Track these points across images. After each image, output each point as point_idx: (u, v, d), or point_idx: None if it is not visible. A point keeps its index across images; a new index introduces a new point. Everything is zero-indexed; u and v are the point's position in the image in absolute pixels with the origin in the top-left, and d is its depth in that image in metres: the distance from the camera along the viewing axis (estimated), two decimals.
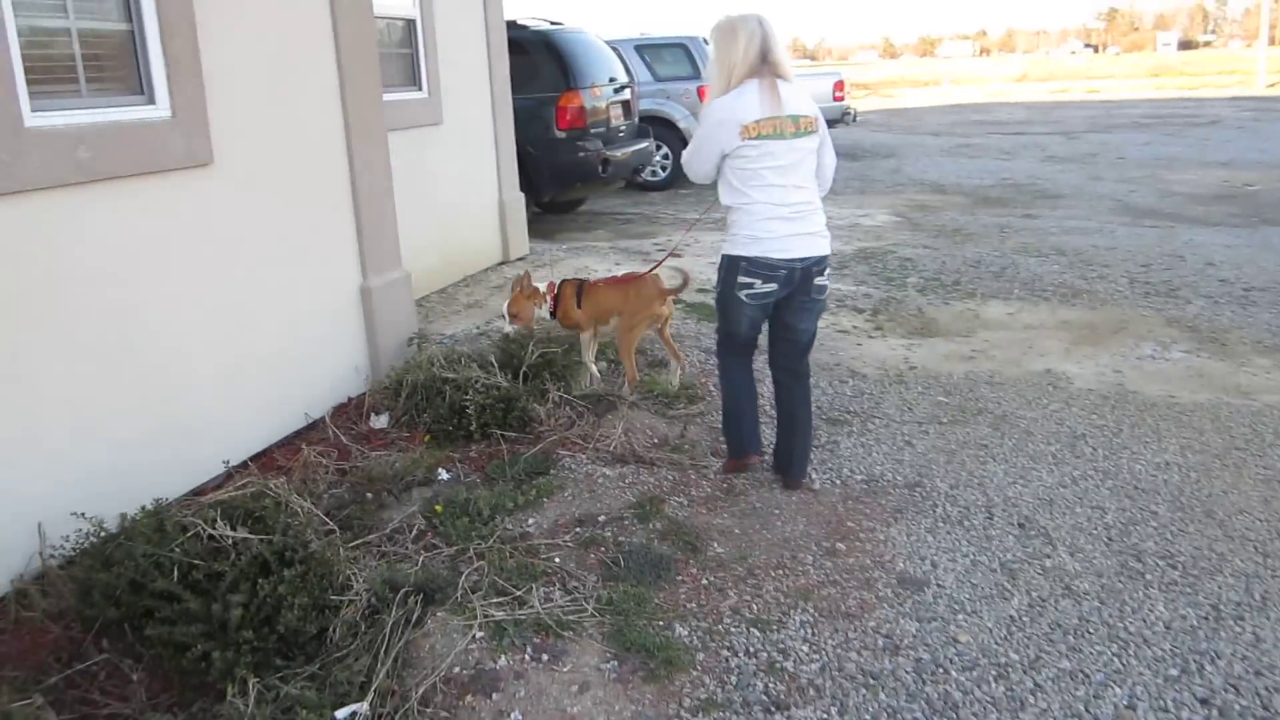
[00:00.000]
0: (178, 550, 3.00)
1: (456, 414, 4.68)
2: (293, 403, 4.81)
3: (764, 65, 3.78)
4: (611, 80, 11.13)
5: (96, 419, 3.74)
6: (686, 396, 5.26)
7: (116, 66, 3.93)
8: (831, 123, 16.82)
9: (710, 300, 7.30)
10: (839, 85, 16.80)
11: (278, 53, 4.69)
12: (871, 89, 41.10)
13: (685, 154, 3.98)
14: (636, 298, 5.16)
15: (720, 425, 4.56)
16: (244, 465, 4.46)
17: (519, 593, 3.29)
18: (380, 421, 4.88)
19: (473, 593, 3.25)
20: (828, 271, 4.01)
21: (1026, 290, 7.66)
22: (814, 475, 4.35)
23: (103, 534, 3.27)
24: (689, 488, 4.20)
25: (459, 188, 8.18)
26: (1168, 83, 38.49)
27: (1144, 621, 3.25)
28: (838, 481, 4.31)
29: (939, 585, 3.48)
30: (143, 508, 3.34)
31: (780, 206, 3.80)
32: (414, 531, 3.79)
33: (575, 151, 10.28)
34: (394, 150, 6.99)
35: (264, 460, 4.51)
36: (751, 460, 4.31)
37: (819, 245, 3.91)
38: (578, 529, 3.82)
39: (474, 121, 8.50)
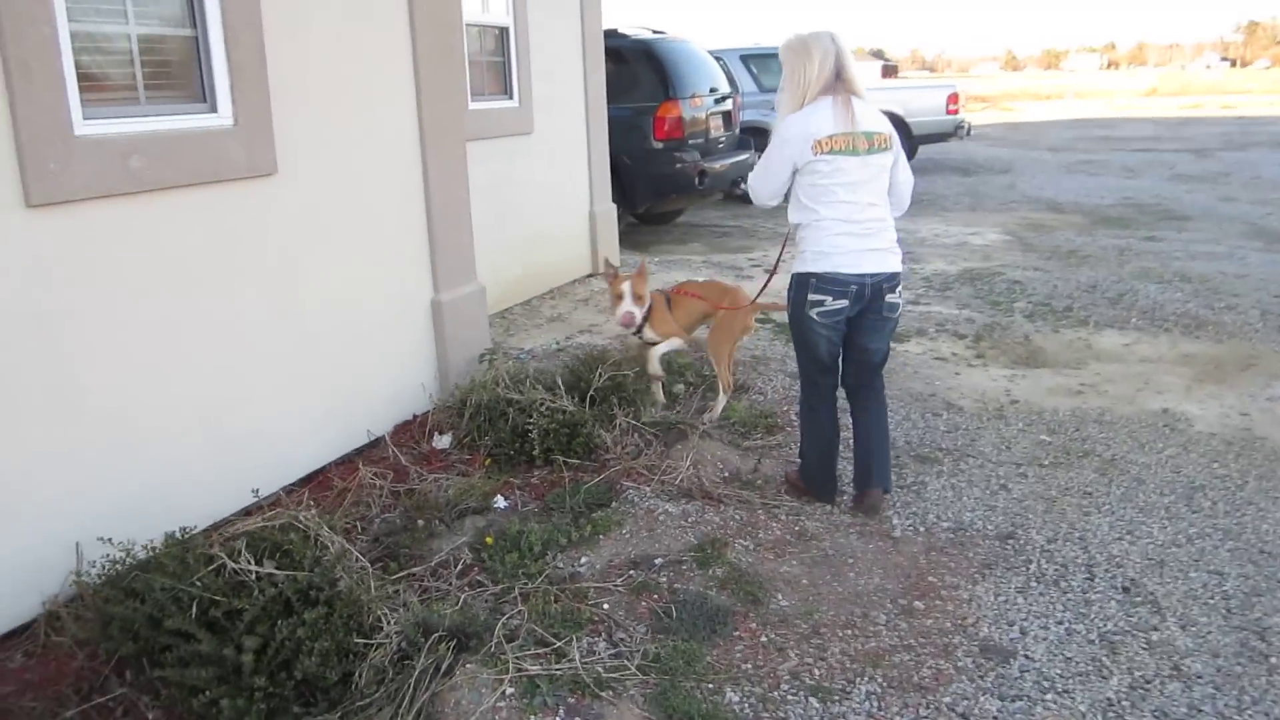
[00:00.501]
0: (198, 585, 2.84)
1: (519, 438, 4.47)
2: (354, 419, 4.67)
3: (838, 82, 3.76)
4: (713, 90, 10.88)
5: (144, 435, 3.63)
6: (765, 425, 4.95)
7: (178, 73, 3.83)
8: (944, 137, 16.29)
9: None
10: (953, 98, 16.17)
11: (349, 60, 4.56)
12: (990, 101, 39.91)
13: (753, 176, 3.91)
14: (732, 303, 5.04)
15: (798, 461, 4.27)
16: (302, 483, 4.33)
17: (559, 643, 3.04)
18: (443, 442, 4.70)
19: (509, 641, 3.01)
20: (900, 289, 3.89)
21: (1145, 319, 7.12)
22: (894, 520, 4.00)
23: (129, 560, 3.13)
24: (757, 529, 3.90)
25: (548, 198, 8.02)
26: None
27: (1266, 716, 2.83)
28: (921, 529, 3.95)
29: (1027, 657, 3.11)
30: (166, 536, 3.18)
31: (850, 223, 3.73)
32: (460, 565, 3.59)
33: (672, 162, 10.07)
34: (481, 159, 6.91)
35: (320, 480, 4.38)
36: (822, 500, 4.17)
37: (890, 262, 3.82)
38: (632, 571, 3.55)
39: (566, 131, 8.34)
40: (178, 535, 3.18)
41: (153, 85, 3.73)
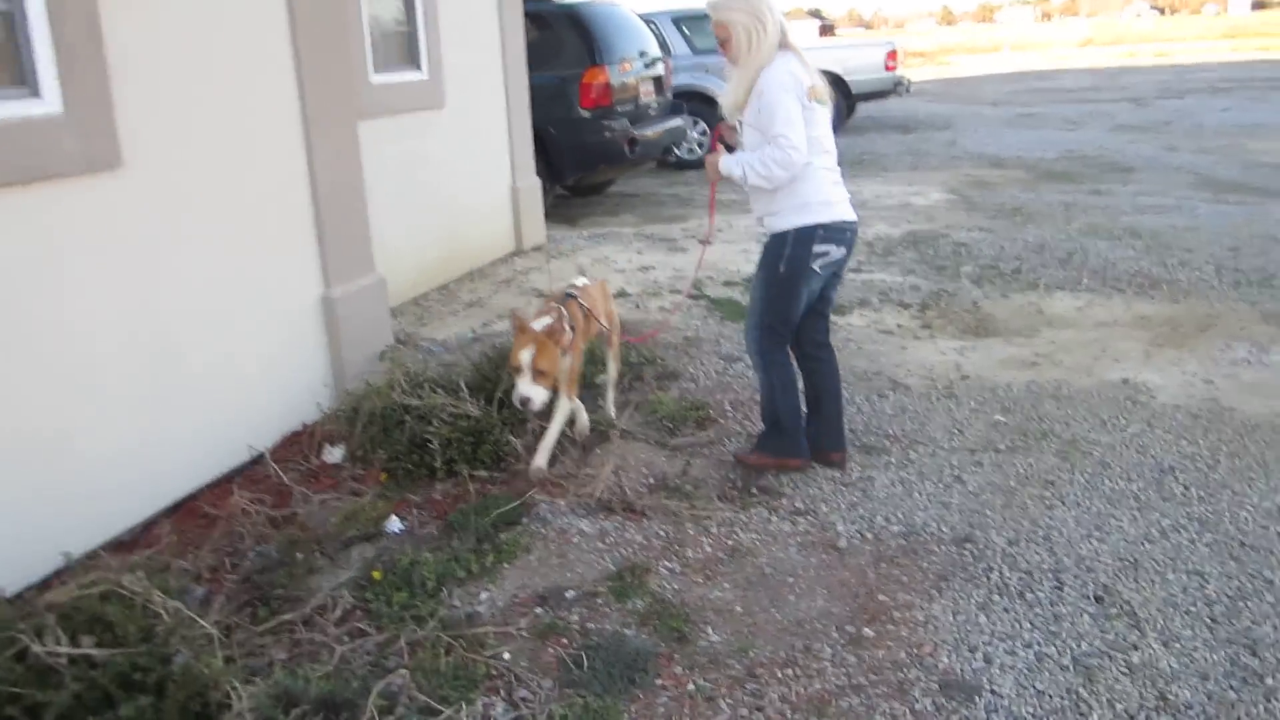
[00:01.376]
0: None
1: (418, 448, 3.97)
2: (233, 434, 4.12)
3: (786, 38, 3.73)
4: (642, 54, 10.32)
5: None
6: (696, 419, 4.49)
7: None
8: (883, 94, 15.88)
9: (738, 295, 6.54)
10: (891, 55, 15.71)
11: (212, 30, 3.97)
12: (928, 57, 39.63)
13: (784, 140, 3.56)
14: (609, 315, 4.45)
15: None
16: (170, 513, 3.80)
17: (448, 710, 2.56)
18: (334, 455, 4.18)
19: (386, 714, 2.52)
20: None
21: (1097, 280, 6.76)
22: (839, 526, 3.57)
23: None
24: (684, 547, 3.44)
25: (464, 175, 7.44)
26: (1244, 44, 36.51)
27: None
28: (869, 535, 3.52)
29: (994, 692, 2.69)
30: None
31: (834, 171, 3.83)
32: (339, 610, 3.08)
33: (600, 131, 9.52)
34: (389, 138, 6.34)
35: (190, 507, 3.84)
36: (802, 463, 4.03)
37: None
38: (538, 609, 3.07)
39: (483, 103, 7.75)
40: None
41: None
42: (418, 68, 6.92)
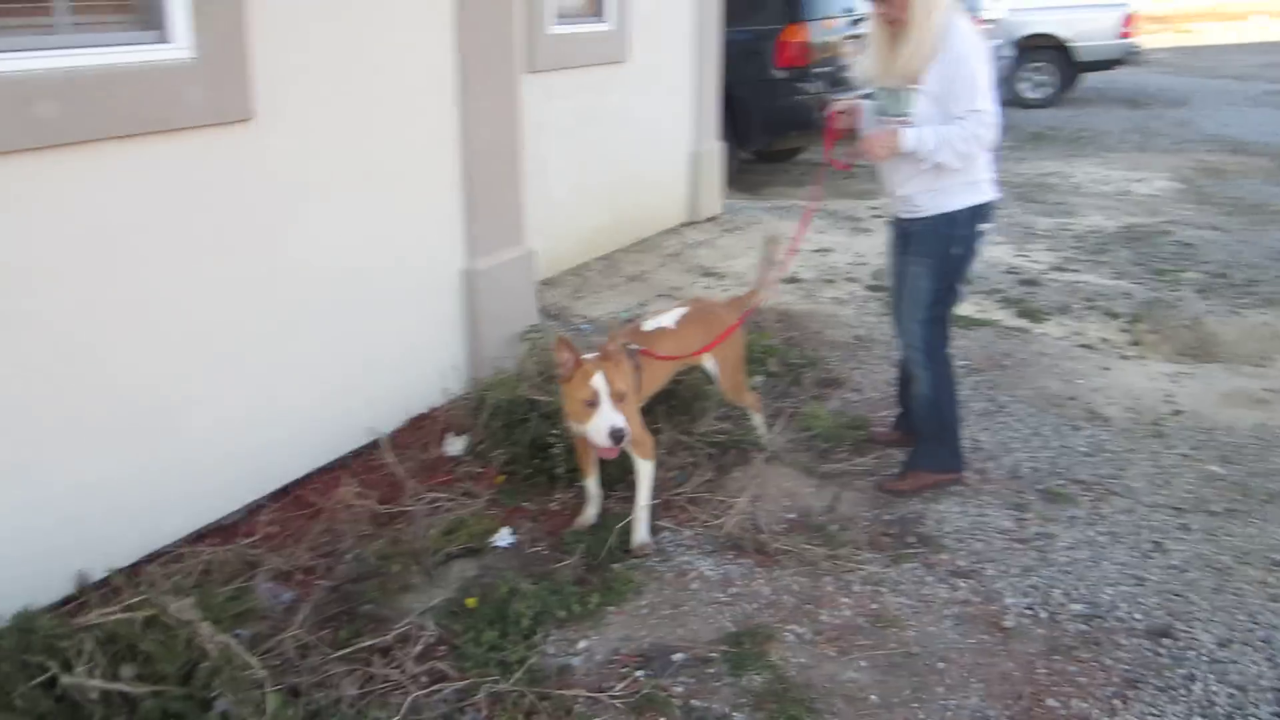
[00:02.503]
0: (19, 701, 2.10)
1: (539, 452, 3.63)
2: (354, 415, 3.89)
3: None
4: (848, 12, 9.60)
5: (51, 446, 2.92)
6: (853, 440, 3.98)
7: None
8: (1112, 64, 14.45)
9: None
10: (1127, 20, 14.21)
11: None
12: (1167, 23, 36.50)
13: (988, 115, 3.23)
14: (714, 334, 3.66)
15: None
16: (276, 497, 3.61)
17: None
18: (455, 447, 3.90)
19: None
20: None
21: None
22: (1007, 599, 3.02)
23: None
24: (819, 606, 2.97)
25: (642, 136, 7.01)
26: None
27: None
28: (1043, 613, 2.96)
29: None
30: (16, 616, 2.46)
31: None
32: (421, 644, 2.78)
33: (792, 94, 8.92)
34: (563, 93, 6.00)
35: (296, 494, 3.63)
36: (962, 476, 3.73)
37: None
38: (639, 672, 2.68)
39: (670, 58, 7.27)
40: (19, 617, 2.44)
41: (85, 8, 2.95)
42: (602, 17, 6.52)
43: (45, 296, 2.85)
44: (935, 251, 3.45)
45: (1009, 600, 3.01)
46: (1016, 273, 6.37)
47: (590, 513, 3.43)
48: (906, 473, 3.68)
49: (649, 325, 3.60)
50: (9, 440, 2.80)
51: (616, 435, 2.92)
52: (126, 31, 3.06)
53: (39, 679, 2.16)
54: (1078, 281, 6.19)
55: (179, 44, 3.12)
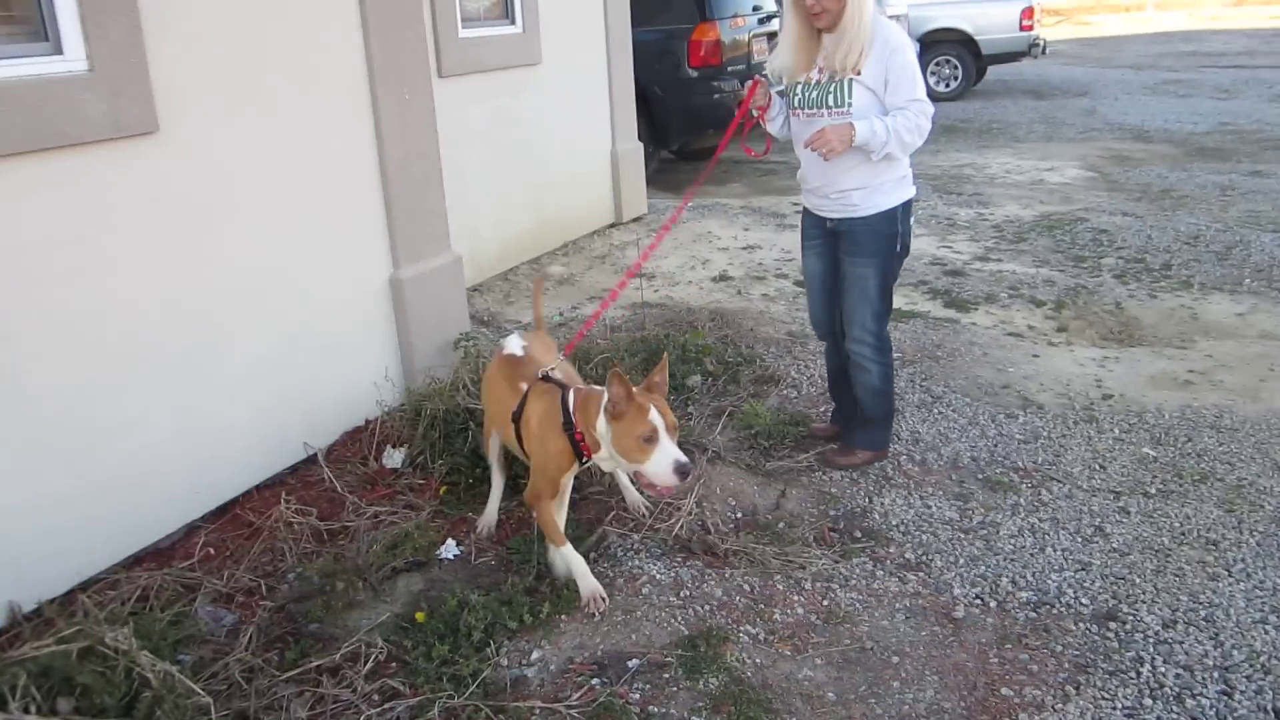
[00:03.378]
0: None
1: (480, 461, 3.57)
2: (288, 430, 3.78)
3: None
4: (756, 9, 9.67)
5: None
6: (794, 436, 3.99)
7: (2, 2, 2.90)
8: (1017, 55, 14.83)
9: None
10: (1027, 13, 14.59)
11: None
12: (1065, 16, 37.48)
13: (925, 105, 3.27)
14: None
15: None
16: (214, 517, 3.49)
17: None
18: (394, 459, 3.81)
19: None
20: None
21: (1262, 280, 5.97)
22: (956, 589, 3.04)
23: None
24: (772, 605, 2.96)
25: (561, 138, 6.97)
26: None
27: None
28: (992, 602, 2.99)
29: None
30: None
31: None
32: (370, 662, 2.70)
33: (709, 93, 8.97)
34: (478, 97, 5.94)
35: (234, 514, 3.51)
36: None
37: None
38: (595, 680, 2.64)
39: (583, 60, 7.25)
40: None
41: None
42: (511, 20, 6.46)
43: None
44: (879, 250, 3.47)
45: (958, 591, 3.04)
46: (941, 264, 6.46)
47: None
48: (854, 450, 3.81)
49: (518, 346, 3.31)
50: None
51: (683, 470, 2.69)
52: (17, 44, 2.92)
53: None
54: (1001, 270, 6.31)
55: (71, 56, 2.99)
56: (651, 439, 2.70)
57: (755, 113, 3.64)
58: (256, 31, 3.54)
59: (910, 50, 3.27)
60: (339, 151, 3.97)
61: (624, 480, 3.45)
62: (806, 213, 3.71)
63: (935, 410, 4.27)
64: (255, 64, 3.55)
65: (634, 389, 2.76)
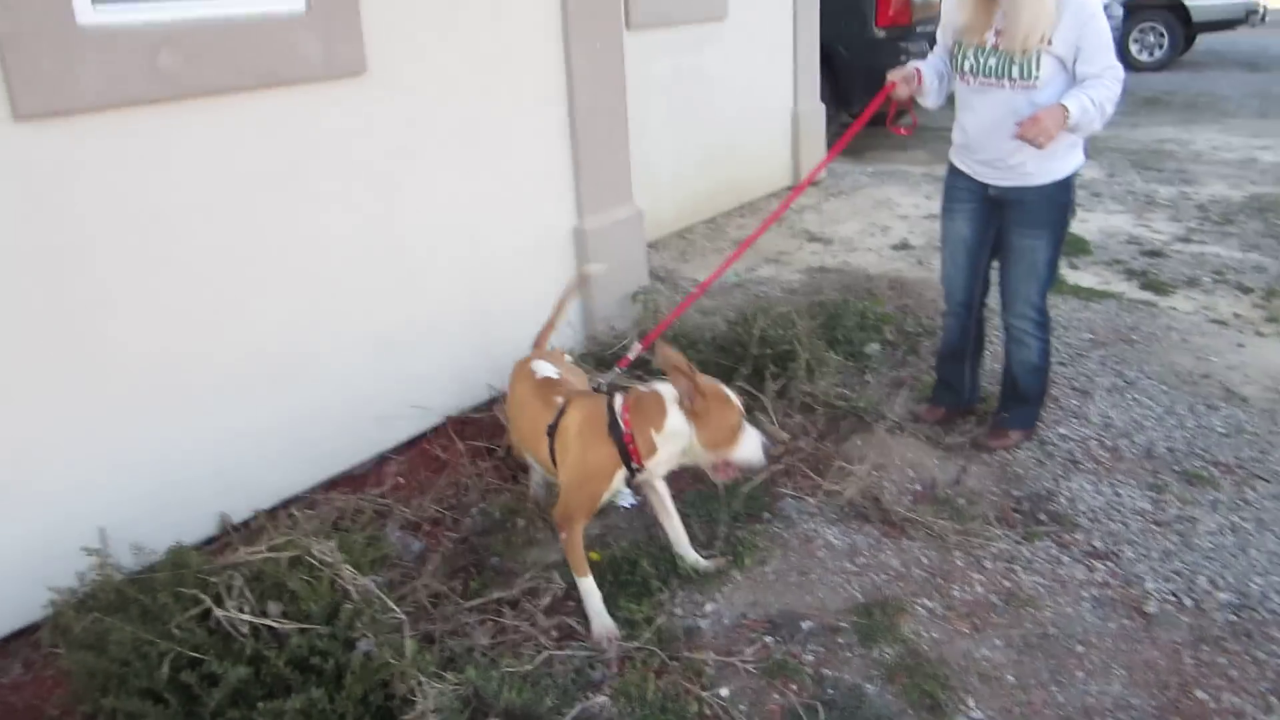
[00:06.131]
0: (176, 630, 2.15)
1: None
2: (475, 373, 3.90)
3: None
4: None
5: (188, 399, 2.98)
6: (982, 410, 3.87)
7: None
8: (1233, 23, 13.82)
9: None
10: None
11: None
12: None
13: (1119, 71, 3.05)
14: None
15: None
16: (402, 450, 3.64)
17: None
18: None
19: None
20: None
21: None
22: (1148, 583, 2.90)
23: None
24: (950, 581, 2.90)
25: (742, 97, 6.89)
26: None
27: None
28: (1188, 600, 2.84)
29: None
30: (170, 550, 2.51)
31: None
32: (548, 598, 2.77)
33: (896, 54, 8.68)
34: (660, 52, 5.91)
35: (421, 447, 3.66)
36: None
37: None
38: (768, 638, 2.64)
39: (768, 16, 7.12)
40: (172, 552, 2.49)
41: None
42: None
43: (188, 243, 2.90)
44: (1051, 220, 3.31)
45: (1150, 585, 2.89)
46: (1138, 243, 6.13)
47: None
48: (1013, 428, 3.66)
49: (548, 369, 3.06)
50: (159, 387, 2.87)
51: (767, 447, 2.65)
52: None
53: (193, 611, 2.21)
54: (1204, 253, 5.93)
55: None
56: (736, 427, 2.59)
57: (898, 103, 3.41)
58: None
59: (1101, 13, 3.04)
60: (531, 98, 4.03)
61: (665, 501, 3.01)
62: (957, 173, 3.48)
63: (1129, 396, 4.07)
64: (455, 6, 3.62)
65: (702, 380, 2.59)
